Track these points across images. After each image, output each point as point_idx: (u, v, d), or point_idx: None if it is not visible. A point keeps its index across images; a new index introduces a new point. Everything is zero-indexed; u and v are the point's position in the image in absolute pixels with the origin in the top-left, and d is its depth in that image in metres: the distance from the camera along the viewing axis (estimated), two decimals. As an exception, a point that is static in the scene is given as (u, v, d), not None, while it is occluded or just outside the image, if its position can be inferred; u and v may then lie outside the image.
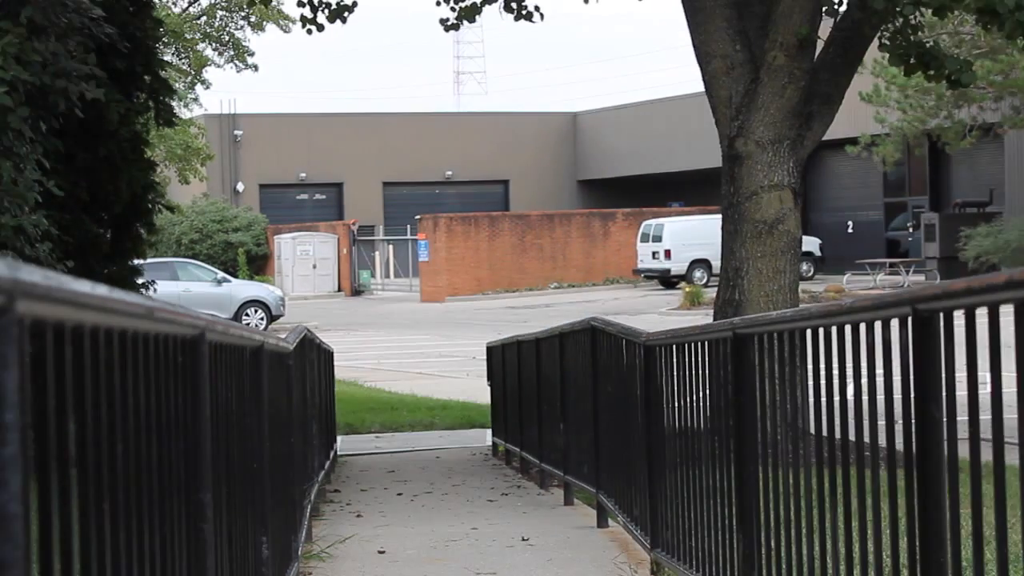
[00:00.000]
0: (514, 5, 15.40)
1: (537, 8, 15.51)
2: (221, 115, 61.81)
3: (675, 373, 6.60)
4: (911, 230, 46.37)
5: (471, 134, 62.66)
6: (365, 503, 10.57)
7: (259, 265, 56.06)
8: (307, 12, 15.01)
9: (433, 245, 48.97)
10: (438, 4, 15.48)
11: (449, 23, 15.52)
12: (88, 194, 11.39)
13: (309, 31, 15.14)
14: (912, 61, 12.33)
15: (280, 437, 6.23)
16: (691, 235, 45.97)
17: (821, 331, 4.45)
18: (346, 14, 14.96)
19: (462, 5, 15.40)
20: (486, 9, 15.42)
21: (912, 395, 3.55)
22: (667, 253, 46.72)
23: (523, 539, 8.37)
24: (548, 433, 11.05)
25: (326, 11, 14.93)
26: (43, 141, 9.20)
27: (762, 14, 12.28)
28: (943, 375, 3.43)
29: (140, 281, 12.82)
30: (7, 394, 1.77)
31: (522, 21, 15.54)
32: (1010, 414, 3.25)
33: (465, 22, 15.55)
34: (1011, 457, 3.36)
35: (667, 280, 47.10)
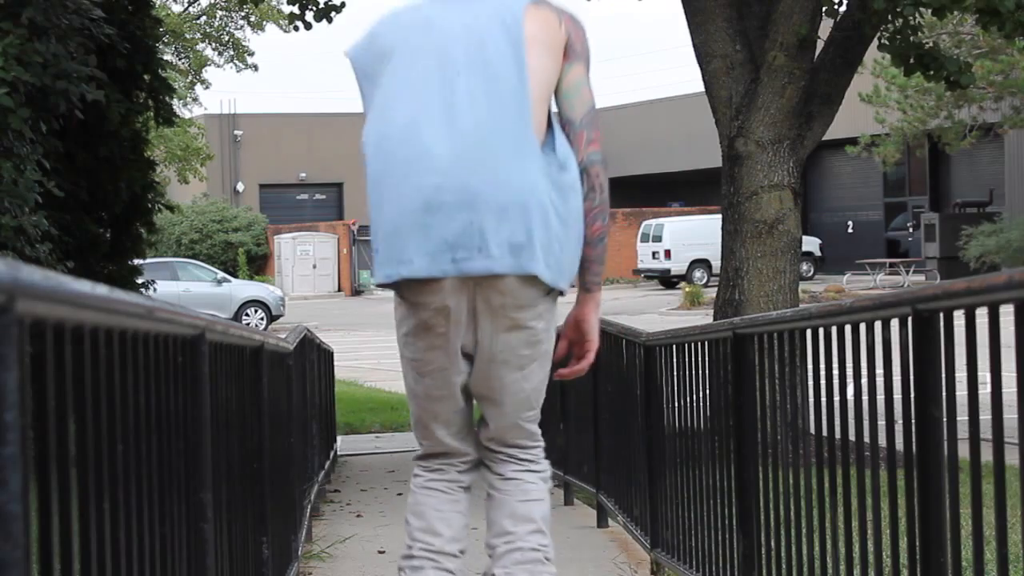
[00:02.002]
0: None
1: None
2: (221, 115, 61.84)
3: (675, 373, 6.60)
4: (911, 230, 46.38)
5: (471, 134, 62.65)
6: (365, 503, 10.57)
7: (259, 265, 56.08)
8: (296, 10, 15.08)
9: (433, 245, 48.93)
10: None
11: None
12: (88, 194, 11.39)
13: (296, 28, 15.22)
14: (912, 61, 12.34)
15: (280, 437, 6.23)
16: (691, 235, 46.00)
17: (821, 331, 4.45)
18: (332, 14, 15.01)
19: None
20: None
21: (912, 395, 3.56)
22: (667, 253, 46.74)
23: (523, 539, 8.36)
24: (548, 433, 11.05)
25: (313, 9, 14.98)
26: (43, 141, 9.20)
27: (762, 14, 12.27)
28: (943, 375, 3.43)
29: (140, 281, 12.83)
30: (7, 394, 1.77)
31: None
32: (1010, 414, 3.25)
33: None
34: (1011, 457, 3.36)
35: (667, 280, 47.12)
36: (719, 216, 12.66)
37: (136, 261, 12.86)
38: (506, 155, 3.84)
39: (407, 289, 3.97)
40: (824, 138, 13.16)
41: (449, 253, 3.83)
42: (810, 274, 45.37)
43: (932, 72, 12.29)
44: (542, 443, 4.33)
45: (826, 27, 12.68)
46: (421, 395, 4.12)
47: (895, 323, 3.69)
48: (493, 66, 3.90)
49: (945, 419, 3.44)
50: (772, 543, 5.03)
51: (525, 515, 4.22)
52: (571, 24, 4.13)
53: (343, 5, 15.07)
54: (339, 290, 54.72)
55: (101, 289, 2.28)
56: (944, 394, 3.43)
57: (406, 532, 4.28)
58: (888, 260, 43.52)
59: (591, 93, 4.09)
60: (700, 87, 12.82)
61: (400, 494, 11.05)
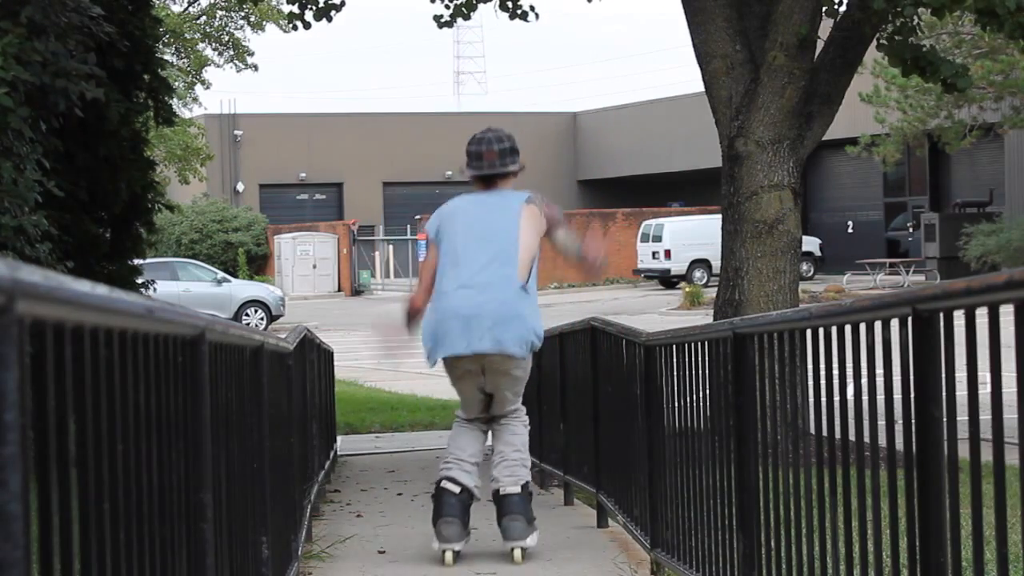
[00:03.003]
0: (509, 4, 15.39)
1: (532, 8, 15.50)
2: (221, 115, 61.84)
3: (675, 373, 6.60)
4: (911, 230, 46.37)
5: (471, 134, 62.48)
6: (365, 503, 10.57)
7: (259, 265, 56.08)
8: (295, 9, 15.07)
9: (433, 245, 48.91)
10: (432, 1, 15.48)
11: (443, 20, 15.50)
12: (88, 194, 11.38)
13: (295, 27, 15.21)
14: (909, 63, 12.33)
15: (280, 437, 6.23)
16: (691, 235, 46.00)
17: (821, 331, 4.45)
18: (332, 13, 14.99)
19: (456, 2, 15.38)
20: (483, 9, 15.43)
21: (912, 395, 3.56)
22: (667, 253, 46.74)
23: (523, 539, 8.37)
24: (548, 433, 11.05)
25: (312, 8, 14.97)
26: (43, 141, 9.20)
27: (762, 14, 12.27)
28: (943, 375, 3.43)
29: (140, 281, 12.82)
30: (7, 394, 1.77)
31: (518, 21, 15.55)
32: (1010, 414, 3.25)
33: (460, 20, 15.55)
34: (1011, 457, 3.36)
35: (667, 280, 47.12)
36: (719, 216, 12.65)
37: (136, 261, 12.85)
38: (502, 291, 7.20)
39: (451, 359, 7.38)
40: (824, 138, 13.15)
41: (466, 341, 7.19)
42: (810, 274, 45.37)
43: (929, 74, 12.28)
44: (523, 408, 7.76)
45: (826, 27, 12.68)
46: (463, 399, 7.67)
47: (895, 323, 3.69)
48: (500, 240, 7.28)
49: (945, 419, 3.44)
50: (772, 543, 5.03)
51: (511, 442, 7.69)
52: (547, 209, 7.49)
53: (343, 4, 15.05)
54: (339, 290, 54.71)
55: (101, 289, 2.28)
56: (944, 394, 3.43)
57: (446, 452, 7.75)
58: (888, 260, 43.52)
59: (573, 237, 7.68)
60: (700, 87, 12.82)
61: (400, 494, 11.05)
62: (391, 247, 57.51)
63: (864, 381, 3.99)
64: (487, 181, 7.58)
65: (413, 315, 7.54)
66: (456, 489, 7.53)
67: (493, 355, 7.22)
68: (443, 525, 7.43)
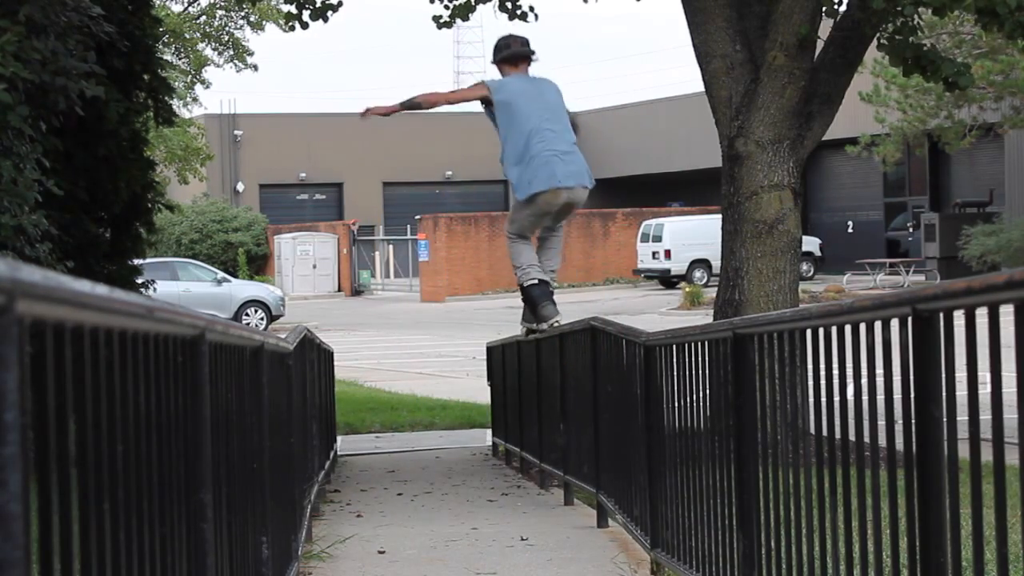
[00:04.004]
0: (508, 4, 15.39)
1: (532, 8, 15.50)
2: (221, 115, 61.85)
3: (675, 373, 6.60)
4: (911, 230, 46.38)
5: (471, 134, 62.68)
6: (365, 503, 10.57)
7: (259, 265, 56.08)
8: (293, 9, 15.08)
9: (433, 245, 48.99)
10: (431, 1, 15.47)
11: (442, 20, 15.49)
12: (87, 193, 11.38)
13: (292, 27, 15.22)
14: (910, 62, 12.33)
15: (280, 437, 6.23)
16: (691, 235, 46.01)
17: (821, 331, 4.45)
18: (329, 13, 15.00)
19: (455, 3, 15.38)
20: (482, 9, 15.43)
21: (912, 395, 3.55)
22: (667, 253, 46.75)
23: (523, 539, 8.37)
24: (548, 433, 11.05)
25: (310, 9, 14.98)
26: (43, 140, 9.19)
27: (762, 14, 12.27)
28: (943, 375, 3.43)
29: (140, 281, 12.82)
30: (7, 394, 1.77)
31: (518, 22, 15.54)
32: (1010, 414, 3.25)
33: (459, 20, 15.54)
34: (1011, 457, 3.36)
35: (667, 280, 47.12)
36: (719, 216, 12.65)
37: (136, 261, 12.85)
38: (574, 150, 10.26)
39: (552, 191, 10.20)
40: (824, 138, 13.14)
41: (567, 178, 10.13)
42: (810, 274, 45.37)
43: (930, 73, 12.28)
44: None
45: (826, 27, 12.67)
46: (532, 223, 10.36)
47: (895, 323, 3.69)
48: (559, 115, 10.33)
49: (945, 419, 3.44)
50: (772, 543, 5.03)
51: (557, 246, 10.81)
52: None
53: (340, 4, 15.05)
54: (339, 290, 54.71)
55: (101, 289, 2.28)
56: (944, 394, 3.43)
57: (520, 263, 10.48)
58: (888, 260, 43.52)
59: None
60: (700, 87, 12.82)
61: (400, 494, 11.06)
62: (391, 247, 57.50)
63: (864, 381, 3.99)
64: (516, 63, 10.42)
65: (417, 105, 10.15)
66: (543, 280, 10.58)
67: (578, 188, 10.23)
68: (546, 306, 10.52)
